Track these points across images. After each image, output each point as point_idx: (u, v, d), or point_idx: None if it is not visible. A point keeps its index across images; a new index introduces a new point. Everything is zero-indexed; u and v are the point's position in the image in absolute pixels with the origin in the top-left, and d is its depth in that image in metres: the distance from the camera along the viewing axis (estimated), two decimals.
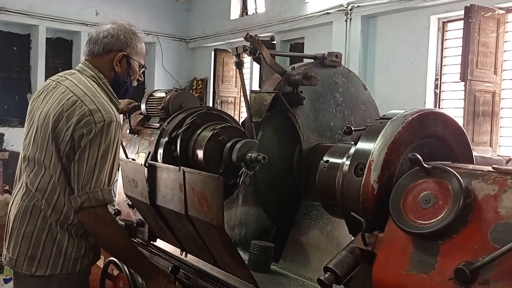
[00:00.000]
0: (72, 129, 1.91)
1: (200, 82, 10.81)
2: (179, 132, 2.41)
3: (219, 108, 9.29)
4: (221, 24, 10.14)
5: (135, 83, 2.22)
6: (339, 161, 1.88)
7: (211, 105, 9.92)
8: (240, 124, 2.78)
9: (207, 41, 10.63)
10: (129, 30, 2.13)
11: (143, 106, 2.97)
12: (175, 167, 2.14)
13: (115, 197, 2.97)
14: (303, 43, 8.52)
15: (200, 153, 2.33)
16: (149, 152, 2.54)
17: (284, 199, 2.63)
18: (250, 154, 2.24)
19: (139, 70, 2.19)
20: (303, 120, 2.63)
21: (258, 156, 2.22)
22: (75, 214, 1.97)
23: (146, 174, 2.30)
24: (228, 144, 2.27)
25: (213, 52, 10.30)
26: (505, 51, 5.89)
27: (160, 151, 2.52)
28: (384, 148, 1.57)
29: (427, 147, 1.66)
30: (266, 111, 2.47)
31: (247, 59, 8.53)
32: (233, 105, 10.28)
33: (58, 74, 2.16)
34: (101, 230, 1.96)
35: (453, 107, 6.63)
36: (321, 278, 1.50)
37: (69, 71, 2.18)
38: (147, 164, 2.33)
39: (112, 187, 1.98)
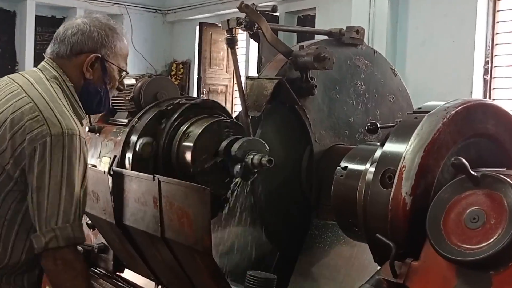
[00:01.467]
0: (20, 140, 1.89)
1: (181, 65, 10.82)
2: (167, 123, 2.48)
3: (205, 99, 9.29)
4: None
5: (113, 93, 2.23)
6: (361, 167, 1.88)
7: (195, 95, 9.92)
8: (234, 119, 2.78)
9: (190, 12, 10.63)
10: (106, 25, 2.13)
11: None
12: (148, 175, 2.13)
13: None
14: (314, 15, 8.53)
15: (189, 144, 2.38)
16: (115, 156, 2.53)
17: (290, 216, 2.62)
18: (252, 156, 2.25)
19: (119, 77, 2.19)
20: (315, 114, 2.63)
21: (263, 159, 2.22)
22: (37, 257, 1.95)
23: (110, 184, 2.29)
24: (228, 140, 2.33)
25: (197, 27, 10.31)
26: None
27: (129, 154, 2.51)
28: (419, 151, 1.56)
29: (475, 149, 1.65)
30: (266, 102, 2.47)
31: (242, 36, 8.54)
32: (223, 95, 10.29)
33: (19, 72, 2.18)
34: (68, 281, 1.94)
35: (508, 98, 6.64)
36: None
37: (30, 69, 2.19)
38: (111, 172, 2.32)
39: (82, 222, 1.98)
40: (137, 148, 2.48)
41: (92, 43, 2.09)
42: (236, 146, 2.32)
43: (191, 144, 2.40)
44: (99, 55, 2.09)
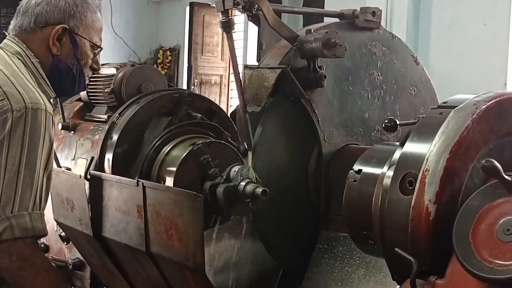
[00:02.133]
0: None
1: (168, 52, 10.81)
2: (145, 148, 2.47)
3: (197, 91, 9.28)
4: None
5: (88, 72, 2.24)
6: (377, 171, 1.88)
7: (184, 86, 9.92)
8: (229, 116, 2.79)
9: None
10: None
11: None
12: (131, 180, 2.13)
13: None
14: None
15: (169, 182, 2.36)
16: (92, 158, 2.53)
17: (295, 228, 2.63)
18: (243, 184, 2.25)
19: (93, 54, 2.21)
20: (324, 109, 2.63)
21: (256, 190, 2.23)
22: None
23: (87, 190, 2.30)
24: (208, 184, 2.32)
25: (188, 8, 10.30)
26: None
27: (109, 156, 2.52)
28: (445, 152, 1.57)
29: (509, 150, 1.66)
30: (267, 96, 2.47)
31: (239, 19, 8.52)
32: (218, 87, 10.28)
33: None
34: (28, 280, 1.94)
35: None
36: None
37: None
38: (88, 176, 2.33)
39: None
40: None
41: (59, 13, 2.11)
42: (220, 191, 2.31)
43: (174, 169, 2.39)
44: (67, 27, 2.11)
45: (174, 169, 2.35)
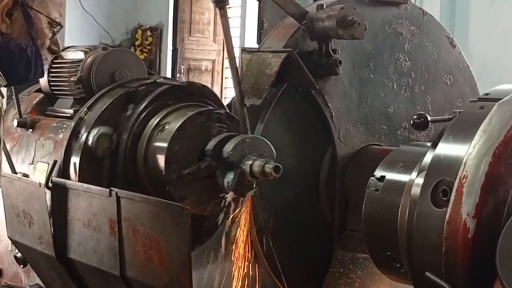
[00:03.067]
0: None
1: (149, 33, 10.80)
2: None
3: (183, 80, 9.28)
4: None
5: (46, 55, 2.24)
6: (403, 178, 1.88)
7: (168, 74, 9.92)
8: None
9: None
10: None
11: (43, 79, 2.96)
12: (103, 189, 2.13)
13: None
14: None
15: (162, 144, 2.39)
16: (55, 162, 2.53)
17: (304, 247, 2.63)
18: (251, 162, 2.23)
19: (52, 32, 2.21)
20: (339, 102, 2.63)
21: (267, 166, 2.20)
22: None
23: (48, 202, 2.30)
24: (219, 138, 2.35)
25: None
26: None
27: (75, 159, 2.51)
28: (486, 155, 1.57)
29: None
30: (270, 86, 2.47)
31: None
32: (209, 74, 10.27)
33: None
34: None
35: None
36: None
37: None
38: (50, 184, 2.32)
39: None
40: (89, 142, 2.48)
41: None
42: (229, 146, 2.30)
43: (165, 144, 2.40)
44: None
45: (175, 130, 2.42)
